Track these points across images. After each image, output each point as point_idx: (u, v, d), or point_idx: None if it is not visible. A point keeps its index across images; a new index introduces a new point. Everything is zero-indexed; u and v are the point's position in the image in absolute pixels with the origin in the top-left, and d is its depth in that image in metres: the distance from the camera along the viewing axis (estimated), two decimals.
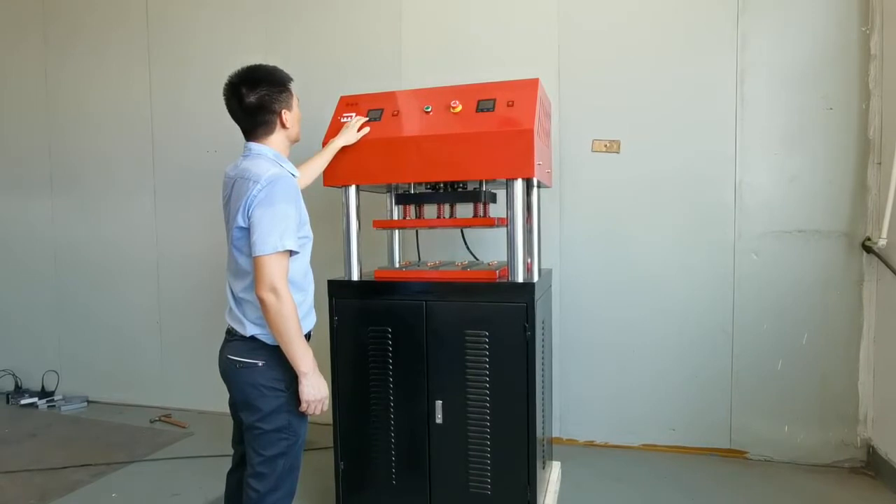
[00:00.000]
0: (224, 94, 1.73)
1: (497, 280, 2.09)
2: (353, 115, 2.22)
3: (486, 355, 2.04)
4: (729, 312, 2.87)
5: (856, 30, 2.67)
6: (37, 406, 3.90)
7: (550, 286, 2.62)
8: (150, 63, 3.73)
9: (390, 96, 2.28)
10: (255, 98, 1.69)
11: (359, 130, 2.16)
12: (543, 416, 2.30)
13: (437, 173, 2.10)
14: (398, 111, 2.20)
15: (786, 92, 2.75)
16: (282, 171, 1.66)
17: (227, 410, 1.85)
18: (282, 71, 1.78)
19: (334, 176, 2.18)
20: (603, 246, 3.00)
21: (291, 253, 1.63)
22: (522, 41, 3.05)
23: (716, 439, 2.93)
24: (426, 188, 2.36)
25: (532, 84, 2.12)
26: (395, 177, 2.15)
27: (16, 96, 4.07)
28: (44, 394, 4.00)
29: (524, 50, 3.05)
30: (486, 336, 2.03)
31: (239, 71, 1.73)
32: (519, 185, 2.01)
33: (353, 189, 2.19)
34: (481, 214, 2.25)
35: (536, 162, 2.00)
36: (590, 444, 3.09)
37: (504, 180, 2.06)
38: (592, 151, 2.99)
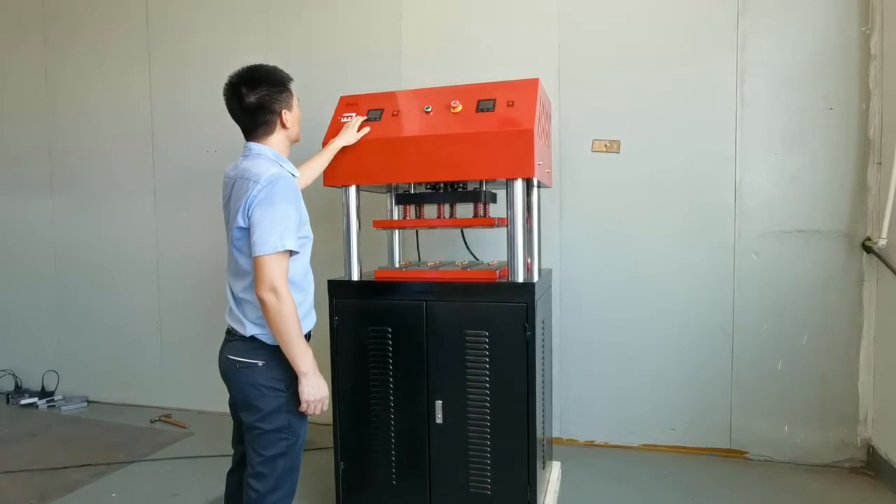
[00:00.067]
0: (224, 94, 1.73)
1: (497, 280, 2.09)
2: (353, 115, 2.22)
3: (486, 355, 2.04)
4: (729, 312, 2.87)
5: (856, 30, 2.67)
6: (37, 406, 3.90)
7: (550, 286, 2.62)
8: (150, 63, 3.73)
9: (390, 96, 2.28)
10: (256, 98, 1.69)
11: (359, 130, 2.16)
12: (543, 416, 2.30)
13: (437, 173, 2.10)
14: (398, 111, 2.20)
15: (786, 92, 2.75)
16: (282, 171, 1.66)
17: (227, 410, 1.85)
18: (282, 71, 1.78)
19: (334, 176, 2.18)
20: (603, 246, 3.00)
21: (291, 253, 1.64)
22: (522, 41, 3.05)
23: (716, 439, 2.93)
24: (426, 188, 2.36)
25: (532, 84, 2.12)
26: (395, 177, 2.15)
27: (16, 96, 4.07)
28: (44, 394, 4.00)
29: (524, 50, 3.05)
30: (486, 336, 2.03)
31: (239, 71, 1.73)
32: (519, 185, 2.01)
33: (353, 189, 2.19)
34: (481, 214, 2.25)
35: (536, 162, 2.00)
36: (590, 444, 3.09)
37: (504, 180, 2.06)
38: (592, 151, 2.99)
